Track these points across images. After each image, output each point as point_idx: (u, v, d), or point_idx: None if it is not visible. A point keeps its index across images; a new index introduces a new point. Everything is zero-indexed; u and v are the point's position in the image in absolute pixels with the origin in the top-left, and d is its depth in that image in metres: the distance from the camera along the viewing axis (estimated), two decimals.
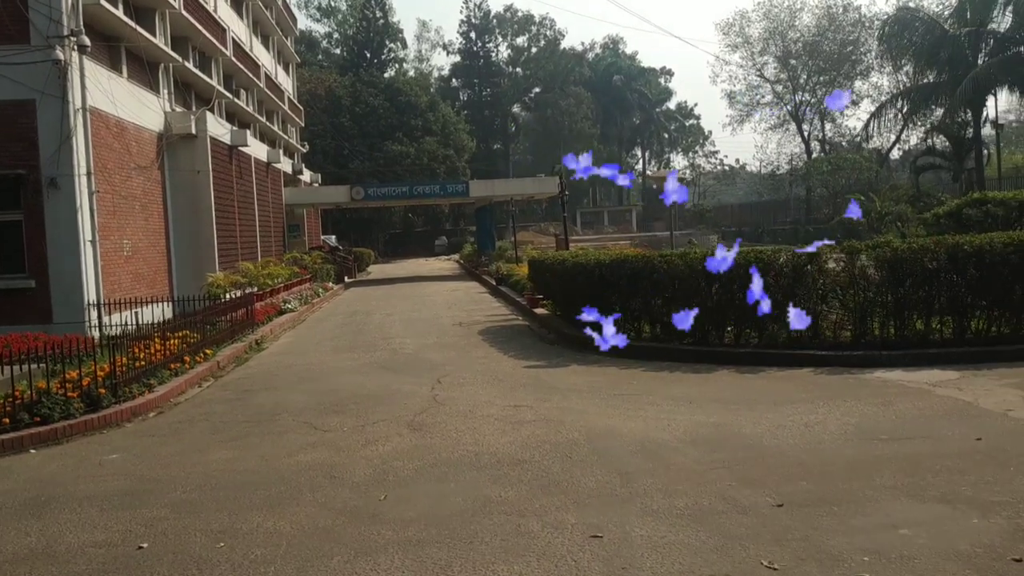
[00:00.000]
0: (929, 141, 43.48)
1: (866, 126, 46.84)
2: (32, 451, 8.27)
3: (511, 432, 7.80)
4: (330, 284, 30.39)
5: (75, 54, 16.28)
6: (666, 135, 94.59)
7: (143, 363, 10.87)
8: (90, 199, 16.66)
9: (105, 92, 17.72)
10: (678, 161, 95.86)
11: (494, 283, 27.59)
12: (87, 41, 16.43)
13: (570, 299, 14.85)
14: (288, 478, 6.70)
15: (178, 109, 23.57)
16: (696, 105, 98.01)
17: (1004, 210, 15.74)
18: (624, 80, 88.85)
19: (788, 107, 68.20)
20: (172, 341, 12.46)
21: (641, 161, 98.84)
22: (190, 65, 24.91)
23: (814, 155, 66.54)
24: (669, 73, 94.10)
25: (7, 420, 8.57)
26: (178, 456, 7.66)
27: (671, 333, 12.53)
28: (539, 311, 17.91)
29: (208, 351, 13.58)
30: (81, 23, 16.56)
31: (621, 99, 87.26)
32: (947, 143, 40.16)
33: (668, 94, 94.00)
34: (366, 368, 12.52)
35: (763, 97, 70.11)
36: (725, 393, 9.17)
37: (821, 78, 65.70)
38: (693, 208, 79.15)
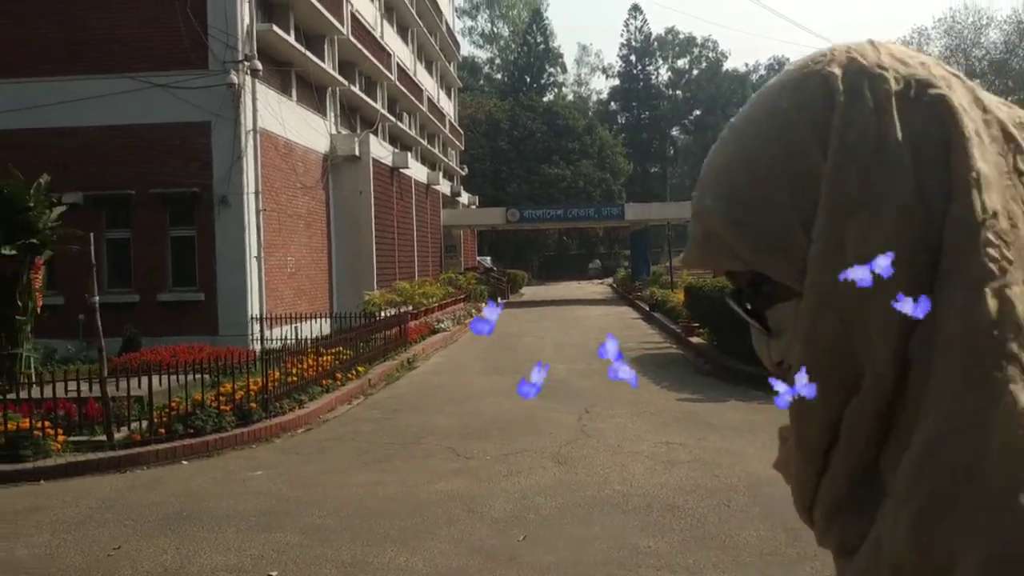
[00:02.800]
0: None
1: None
2: (184, 462, 8.39)
3: (663, 472, 7.22)
4: (483, 305, 30.49)
5: (248, 78, 17.01)
6: None
7: (295, 379, 10.97)
8: (257, 217, 17.30)
9: (275, 114, 18.42)
10: None
11: (647, 309, 26.82)
12: (259, 65, 17.14)
13: (729, 329, 14.03)
14: (426, 508, 6.40)
15: (343, 131, 24.33)
16: None
17: None
18: None
19: None
20: (325, 357, 12.59)
21: None
22: (356, 89, 25.72)
23: None
24: None
25: (163, 431, 8.76)
26: (320, 476, 7.54)
27: None
28: (694, 340, 17.09)
29: (360, 368, 13.66)
30: (255, 48, 17.32)
31: None
32: None
33: None
34: (512, 392, 12.17)
35: None
36: None
37: (1010, 97, 60.97)
38: None
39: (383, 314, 18.82)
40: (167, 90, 16.73)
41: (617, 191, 62.17)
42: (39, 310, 11.70)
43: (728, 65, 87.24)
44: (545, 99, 70.52)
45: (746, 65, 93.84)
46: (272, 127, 18.33)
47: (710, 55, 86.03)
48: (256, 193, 17.27)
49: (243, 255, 16.85)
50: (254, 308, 17.06)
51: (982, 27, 61.22)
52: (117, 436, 8.67)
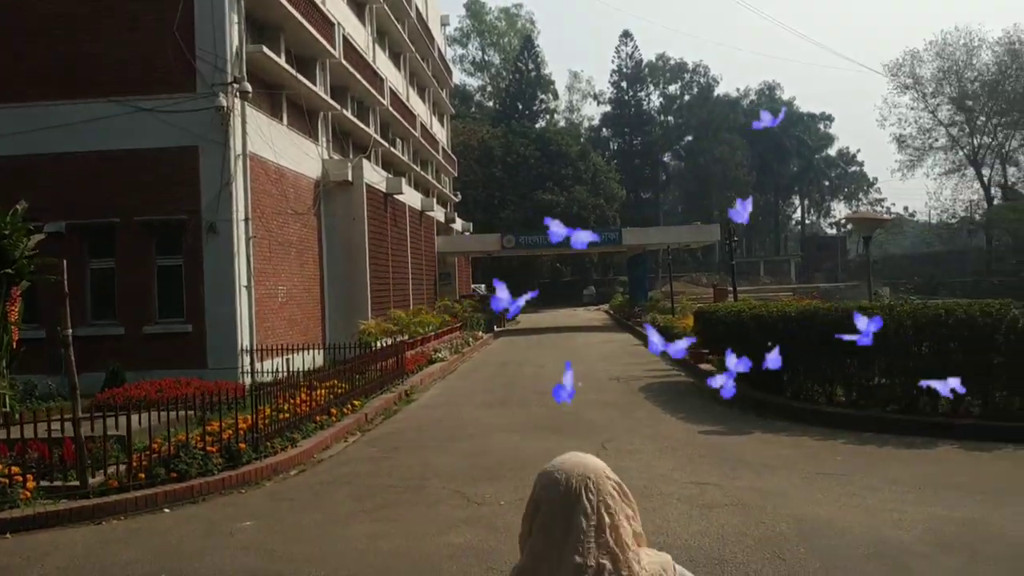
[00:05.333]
0: None
1: None
2: (166, 510, 7.62)
3: (700, 519, 6.47)
4: (480, 333, 29.78)
5: (237, 100, 16.38)
6: (826, 182, 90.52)
7: (287, 415, 10.22)
8: (247, 244, 16.60)
9: (265, 139, 17.78)
10: (840, 209, 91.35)
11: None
12: (248, 87, 16.50)
13: (745, 356, 13.30)
14: (436, 567, 5.65)
15: (335, 156, 23.70)
16: (859, 151, 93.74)
17: None
18: (781, 126, 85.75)
19: (965, 151, 63.51)
20: (319, 391, 11.86)
21: (799, 209, 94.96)
22: (348, 114, 25.14)
23: (995, 202, 61.53)
24: (829, 118, 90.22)
25: (143, 476, 7.98)
26: (315, 528, 6.76)
27: (870, 399, 10.85)
28: (705, 367, 16.42)
29: (356, 402, 12.92)
30: (244, 71, 16.70)
31: (778, 146, 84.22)
32: None
33: (829, 140, 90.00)
34: (521, 427, 11.44)
35: (936, 140, 65.60)
36: (957, 477, 7.50)
37: (1003, 119, 60.87)
38: (857, 259, 74.92)
39: (379, 344, 18.09)
40: (154, 114, 16.11)
41: (611, 216, 61.66)
42: (15, 344, 10.91)
43: (719, 90, 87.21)
44: (537, 125, 70.21)
45: (737, 90, 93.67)
46: (262, 151, 17.69)
47: (701, 80, 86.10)
48: (246, 220, 16.58)
49: (232, 284, 16.12)
50: (244, 340, 16.31)
51: (974, 49, 61.24)
52: (93, 482, 7.89)
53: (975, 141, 62.52)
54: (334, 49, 22.86)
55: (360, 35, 28.02)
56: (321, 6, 22.05)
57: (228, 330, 16.03)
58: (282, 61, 19.19)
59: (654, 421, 11.38)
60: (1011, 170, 63.76)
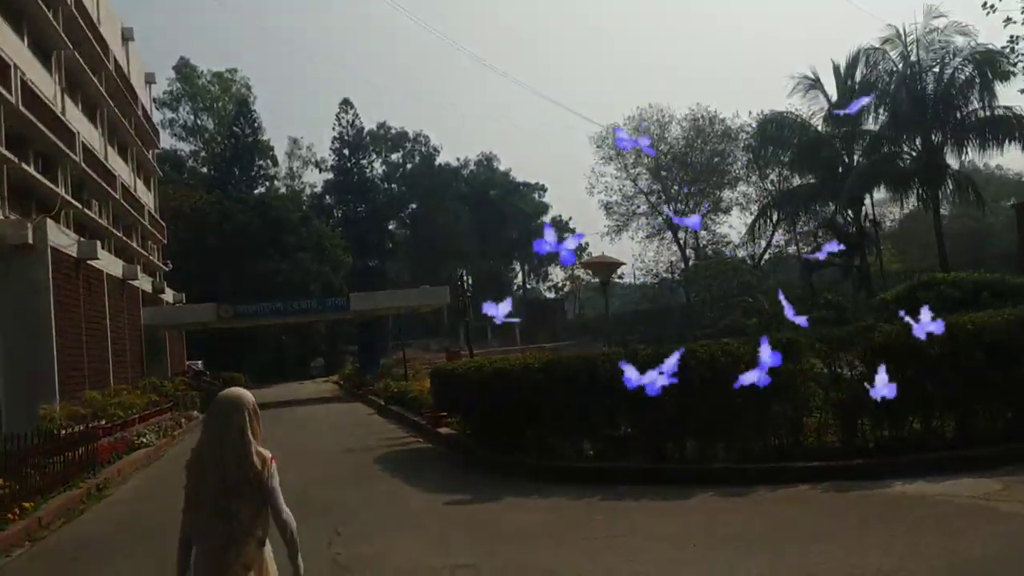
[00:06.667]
0: (819, 240, 44.11)
1: (751, 229, 47.49)
2: None
3: None
4: (195, 413, 26.84)
5: None
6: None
7: None
8: None
9: None
10: (556, 273, 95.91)
11: (382, 403, 24.90)
12: None
13: (488, 415, 12.45)
14: None
15: (13, 216, 20.42)
16: (571, 218, 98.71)
17: (959, 291, 14.60)
18: (500, 195, 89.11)
19: (663, 216, 69.15)
20: None
21: (520, 274, 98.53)
22: (29, 168, 21.92)
23: (691, 262, 67.31)
24: (543, 188, 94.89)
25: None
26: None
27: (619, 450, 10.36)
28: (444, 431, 15.43)
29: (27, 504, 10.44)
30: None
31: (498, 214, 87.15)
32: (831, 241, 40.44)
33: (544, 208, 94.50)
34: None
35: (638, 207, 70.91)
36: (727, 527, 6.96)
37: (692, 188, 67.11)
38: (575, 319, 78.81)
39: (63, 432, 15.28)
40: None
41: (338, 284, 59.89)
42: None
43: (441, 159, 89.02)
44: (256, 192, 67.23)
45: (458, 160, 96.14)
46: None
47: (422, 150, 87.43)
48: None
49: None
50: None
51: (665, 124, 67.26)
52: None
53: (671, 207, 68.27)
54: (9, 93, 19.85)
55: (46, 83, 24.86)
56: None
57: None
58: None
59: (394, 495, 10.11)
60: (702, 233, 70.17)
